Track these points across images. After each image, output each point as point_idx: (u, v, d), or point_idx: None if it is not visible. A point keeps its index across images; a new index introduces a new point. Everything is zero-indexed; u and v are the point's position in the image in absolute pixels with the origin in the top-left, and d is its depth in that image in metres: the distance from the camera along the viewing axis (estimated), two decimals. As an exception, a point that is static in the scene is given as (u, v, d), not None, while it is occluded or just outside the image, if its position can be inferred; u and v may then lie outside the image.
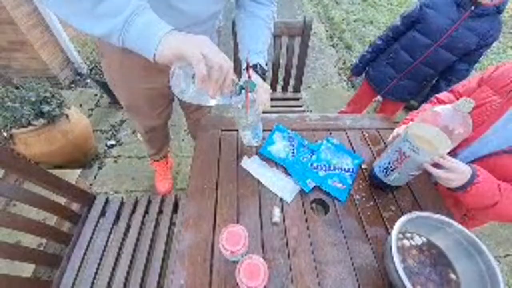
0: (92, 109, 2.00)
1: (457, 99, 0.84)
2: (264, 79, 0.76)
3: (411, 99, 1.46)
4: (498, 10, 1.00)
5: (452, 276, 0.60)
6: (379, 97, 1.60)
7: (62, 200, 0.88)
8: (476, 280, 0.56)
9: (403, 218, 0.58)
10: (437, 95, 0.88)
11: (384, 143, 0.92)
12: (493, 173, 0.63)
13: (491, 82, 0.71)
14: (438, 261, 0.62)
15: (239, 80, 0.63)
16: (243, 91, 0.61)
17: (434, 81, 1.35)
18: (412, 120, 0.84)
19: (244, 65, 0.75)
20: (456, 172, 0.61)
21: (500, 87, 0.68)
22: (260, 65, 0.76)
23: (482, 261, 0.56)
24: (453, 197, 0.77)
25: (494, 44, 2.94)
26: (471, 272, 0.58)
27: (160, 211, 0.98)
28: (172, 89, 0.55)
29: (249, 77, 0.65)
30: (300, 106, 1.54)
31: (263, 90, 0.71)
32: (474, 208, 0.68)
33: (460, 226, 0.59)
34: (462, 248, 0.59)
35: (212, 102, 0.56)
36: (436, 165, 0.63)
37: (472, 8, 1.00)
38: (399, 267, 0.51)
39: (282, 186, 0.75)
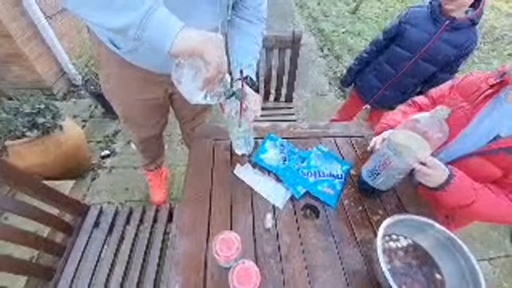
0: (86, 120, 2.01)
1: (431, 102, 0.90)
2: (255, 90, 0.79)
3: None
4: (473, 22, 1.07)
5: (438, 276, 0.63)
6: (367, 106, 1.66)
7: (55, 211, 0.88)
8: (460, 280, 0.59)
9: (387, 221, 0.61)
10: (413, 98, 0.94)
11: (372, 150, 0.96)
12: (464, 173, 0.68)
13: (460, 89, 0.78)
14: (423, 261, 0.64)
15: (231, 86, 0.67)
16: (233, 97, 0.64)
17: (419, 89, 1.41)
18: (387, 123, 0.90)
19: (236, 76, 0.79)
20: (436, 169, 0.65)
21: (468, 95, 0.74)
22: (250, 77, 0.81)
23: (464, 260, 0.59)
24: (433, 200, 0.81)
25: (476, 54, 3.07)
26: (455, 272, 0.61)
27: (155, 221, 0.99)
28: (172, 77, 0.58)
29: (242, 87, 0.69)
30: (292, 114, 1.58)
31: (254, 100, 0.75)
32: (452, 207, 0.72)
33: (441, 227, 0.62)
34: (445, 248, 0.62)
35: (201, 101, 0.60)
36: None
37: (447, 22, 1.07)
38: (385, 268, 0.53)
39: (274, 193, 0.78)
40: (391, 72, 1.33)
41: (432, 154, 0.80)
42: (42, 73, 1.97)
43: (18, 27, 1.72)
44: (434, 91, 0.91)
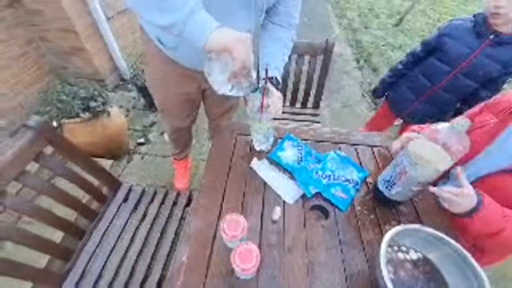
0: (129, 110, 2.23)
1: None
2: (277, 88, 0.84)
3: (432, 124, 1.44)
4: None
5: (446, 295, 0.60)
6: (399, 121, 1.60)
7: (95, 183, 1.01)
8: (470, 301, 0.56)
9: (396, 228, 0.60)
10: (452, 120, 0.90)
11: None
12: (489, 194, 0.63)
13: (493, 107, 0.74)
14: (432, 277, 0.62)
15: (257, 82, 0.73)
16: (257, 92, 0.70)
17: (458, 106, 1.33)
18: (413, 128, 0.88)
19: (262, 75, 0.85)
20: (463, 196, 0.62)
21: (499, 111, 0.70)
22: (276, 78, 0.85)
23: (476, 281, 0.55)
24: (460, 225, 0.76)
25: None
26: (465, 292, 0.57)
27: (175, 204, 1.07)
28: (204, 70, 0.67)
29: (265, 84, 0.75)
30: (318, 122, 1.59)
31: (276, 98, 0.80)
32: (480, 235, 0.68)
33: (456, 244, 0.59)
34: (456, 265, 0.59)
35: (228, 92, 0.67)
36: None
37: (492, 36, 1.01)
38: (386, 275, 0.53)
39: (286, 189, 0.80)
40: (427, 85, 1.28)
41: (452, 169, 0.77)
42: (98, 66, 2.24)
43: (83, 24, 1.99)
44: (468, 111, 0.87)
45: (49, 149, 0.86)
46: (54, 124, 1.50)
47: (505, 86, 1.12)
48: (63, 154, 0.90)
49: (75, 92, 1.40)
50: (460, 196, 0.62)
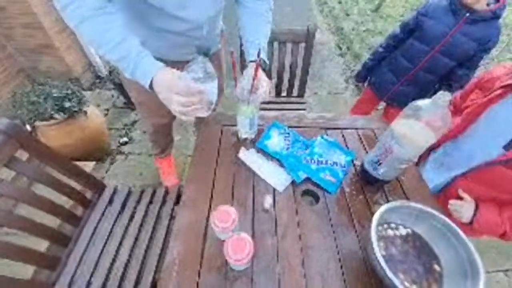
0: (108, 109, 2.14)
1: (456, 104, 0.88)
2: (264, 71, 0.82)
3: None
4: (495, 15, 1.02)
5: (436, 267, 0.62)
6: (383, 104, 1.62)
7: (77, 187, 0.96)
8: (458, 271, 0.58)
9: (386, 206, 0.61)
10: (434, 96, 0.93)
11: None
12: (488, 187, 0.67)
13: (481, 85, 0.75)
14: (422, 252, 0.64)
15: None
16: (202, 56, 0.67)
17: (437, 86, 1.36)
18: None
19: (249, 58, 0.84)
20: (467, 205, 0.71)
21: (487, 89, 0.71)
22: (263, 60, 0.83)
23: (464, 249, 0.57)
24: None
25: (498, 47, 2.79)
26: (454, 263, 0.60)
27: (164, 202, 1.04)
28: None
29: (257, 68, 0.73)
30: (304, 109, 1.59)
31: (263, 80, 0.78)
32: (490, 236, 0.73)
33: (442, 216, 0.61)
34: (444, 236, 0.61)
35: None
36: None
37: (467, 14, 1.03)
38: (377, 251, 0.54)
39: (275, 177, 0.80)
40: (408, 67, 1.30)
41: (439, 144, 0.78)
42: (71, 64, 2.12)
43: (51, 19, 1.87)
44: (458, 93, 0.90)
45: (24, 154, 0.81)
46: (28, 128, 1.41)
47: (486, 61, 1.15)
48: (39, 158, 0.84)
49: (47, 93, 1.31)
50: (466, 203, 0.71)
